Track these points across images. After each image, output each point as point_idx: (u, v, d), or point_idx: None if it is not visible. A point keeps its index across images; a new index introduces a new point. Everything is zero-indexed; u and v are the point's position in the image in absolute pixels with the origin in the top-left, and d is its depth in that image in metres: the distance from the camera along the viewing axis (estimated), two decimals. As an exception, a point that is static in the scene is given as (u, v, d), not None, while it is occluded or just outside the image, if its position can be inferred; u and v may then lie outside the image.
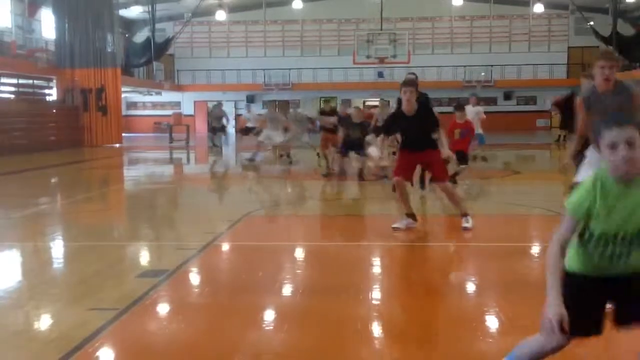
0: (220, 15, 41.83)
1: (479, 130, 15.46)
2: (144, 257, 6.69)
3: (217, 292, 5.15)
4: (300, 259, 6.50)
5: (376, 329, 4.21)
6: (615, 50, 37.05)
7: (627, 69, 38.93)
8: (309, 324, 4.27)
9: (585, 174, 5.06)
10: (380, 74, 42.93)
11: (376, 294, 5.05)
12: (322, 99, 46.00)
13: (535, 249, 6.85)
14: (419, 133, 7.35)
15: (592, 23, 40.72)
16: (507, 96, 43.41)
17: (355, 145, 13.00)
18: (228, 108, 32.85)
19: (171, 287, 5.23)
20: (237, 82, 43.57)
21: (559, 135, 23.14)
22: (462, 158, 11.20)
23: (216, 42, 45.73)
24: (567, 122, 26.18)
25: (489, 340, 4.00)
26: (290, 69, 43.60)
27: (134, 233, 8.17)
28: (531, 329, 4.02)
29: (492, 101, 43.88)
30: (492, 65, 42.90)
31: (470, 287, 5.30)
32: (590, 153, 5.33)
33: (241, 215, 8.64)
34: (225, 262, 6.53)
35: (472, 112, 15.30)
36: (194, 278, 5.77)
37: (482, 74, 42.95)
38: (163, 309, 4.72)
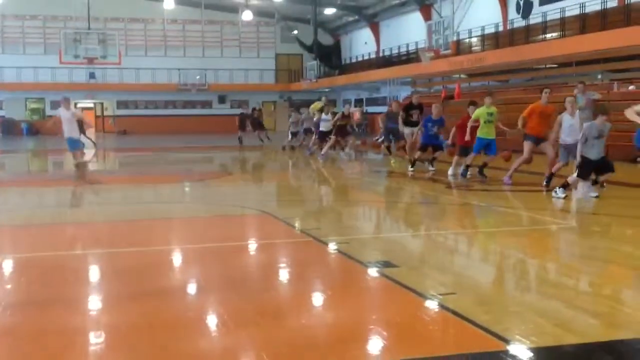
0: None
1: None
2: None
3: None
4: (5, 272, 6.07)
5: (95, 339, 4.14)
6: (316, 57, 40.10)
7: (328, 75, 42.37)
8: (23, 340, 4.06)
9: None
10: (92, 75, 41.28)
11: (93, 304, 4.95)
12: (29, 99, 42.94)
13: (251, 247, 7.25)
14: None
15: (296, 32, 43.56)
16: (222, 100, 44.56)
17: None
18: None
19: None
20: None
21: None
22: None
23: None
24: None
25: (210, 338, 4.17)
26: (-11, 67, 40.01)
27: None
28: (255, 325, 4.31)
29: (207, 104, 44.71)
30: (205, 69, 43.64)
31: (191, 288, 5.43)
32: None
33: None
34: None
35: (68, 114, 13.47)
36: None
37: (197, 77, 43.51)
38: None
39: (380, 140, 19.11)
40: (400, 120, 16.53)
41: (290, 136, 23.28)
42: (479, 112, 12.55)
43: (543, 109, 11.37)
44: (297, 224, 8.31)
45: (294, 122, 23.05)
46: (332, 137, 19.15)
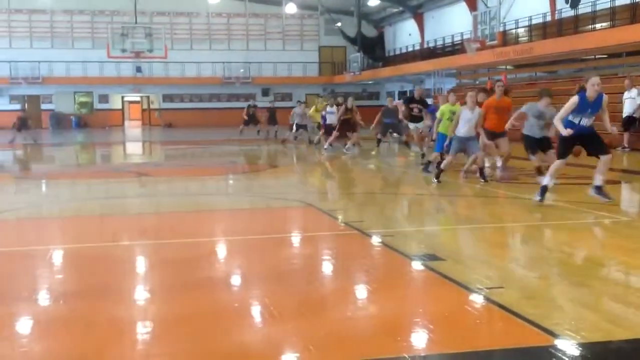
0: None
1: None
2: None
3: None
4: (55, 263, 6.21)
5: (142, 328, 4.21)
6: (360, 49, 39.98)
7: (372, 67, 42.18)
8: (73, 329, 4.16)
9: None
10: (139, 69, 41.89)
11: (140, 294, 5.04)
12: (77, 93, 43.80)
13: (296, 239, 7.27)
14: None
15: (339, 24, 43.45)
16: (265, 92, 44.75)
17: None
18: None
19: None
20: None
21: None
22: None
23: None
24: None
25: (256, 329, 4.20)
26: (39, 61, 40.85)
27: None
28: (301, 317, 4.32)
29: (251, 97, 44.98)
30: (249, 62, 43.89)
31: (236, 280, 5.48)
32: None
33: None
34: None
35: None
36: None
37: (241, 70, 43.80)
38: None
39: (377, 135, 19.30)
40: (404, 114, 16.44)
41: (295, 128, 23.16)
42: (443, 109, 12.03)
43: (497, 104, 11.56)
44: (340, 217, 8.31)
45: (300, 115, 22.90)
46: (336, 132, 18.87)
